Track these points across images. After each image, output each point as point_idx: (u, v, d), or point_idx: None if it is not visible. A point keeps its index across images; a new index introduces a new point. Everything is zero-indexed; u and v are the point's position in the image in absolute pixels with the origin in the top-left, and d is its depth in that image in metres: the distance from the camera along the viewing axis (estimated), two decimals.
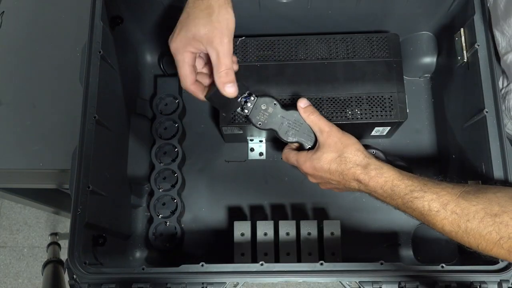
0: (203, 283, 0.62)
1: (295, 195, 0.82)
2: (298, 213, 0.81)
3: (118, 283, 0.61)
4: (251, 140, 0.84)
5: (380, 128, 0.78)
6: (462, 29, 0.72)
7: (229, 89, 0.60)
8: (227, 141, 0.85)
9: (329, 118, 0.75)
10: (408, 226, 0.80)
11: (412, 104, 0.84)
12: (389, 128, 0.77)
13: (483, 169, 0.66)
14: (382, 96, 0.75)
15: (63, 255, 1.45)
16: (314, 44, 0.78)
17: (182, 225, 0.81)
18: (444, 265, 0.60)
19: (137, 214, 0.82)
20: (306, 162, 0.65)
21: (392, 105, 0.75)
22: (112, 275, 0.62)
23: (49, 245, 1.50)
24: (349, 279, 0.61)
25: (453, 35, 0.75)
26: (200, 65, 0.65)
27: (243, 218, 0.82)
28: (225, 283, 0.61)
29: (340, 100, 0.76)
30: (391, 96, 0.75)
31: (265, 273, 0.62)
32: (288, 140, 0.67)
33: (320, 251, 0.74)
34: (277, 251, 0.74)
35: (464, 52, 0.72)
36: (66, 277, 0.69)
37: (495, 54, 0.70)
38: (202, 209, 0.83)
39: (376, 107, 0.75)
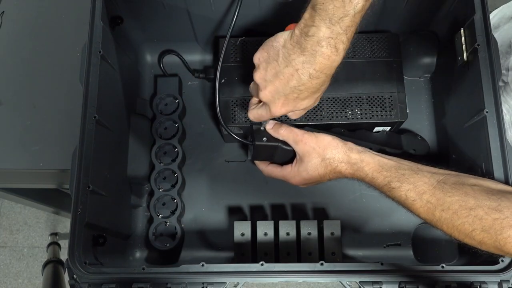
0: (203, 283, 0.61)
1: (295, 195, 0.82)
2: (298, 213, 0.81)
3: (118, 283, 0.61)
4: None
5: (380, 128, 0.78)
6: (462, 29, 0.72)
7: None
8: (227, 141, 0.85)
9: (329, 118, 0.75)
10: (408, 226, 0.80)
11: (412, 104, 0.84)
12: (389, 128, 0.78)
13: (483, 169, 0.66)
14: (382, 96, 0.75)
15: (63, 255, 1.45)
16: None
17: (182, 225, 0.81)
18: (444, 265, 0.60)
19: (137, 214, 0.82)
20: (295, 177, 0.68)
21: (392, 105, 0.75)
22: (112, 275, 0.62)
23: (49, 245, 1.50)
24: (349, 279, 0.61)
25: (453, 35, 0.74)
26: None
27: (243, 218, 0.81)
28: (225, 283, 0.61)
29: (340, 100, 0.76)
30: (391, 96, 0.75)
31: (265, 273, 0.62)
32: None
33: (320, 251, 0.74)
34: (277, 251, 0.74)
35: (464, 52, 0.72)
36: (66, 277, 0.69)
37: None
38: (202, 209, 0.83)
39: (376, 107, 0.75)
